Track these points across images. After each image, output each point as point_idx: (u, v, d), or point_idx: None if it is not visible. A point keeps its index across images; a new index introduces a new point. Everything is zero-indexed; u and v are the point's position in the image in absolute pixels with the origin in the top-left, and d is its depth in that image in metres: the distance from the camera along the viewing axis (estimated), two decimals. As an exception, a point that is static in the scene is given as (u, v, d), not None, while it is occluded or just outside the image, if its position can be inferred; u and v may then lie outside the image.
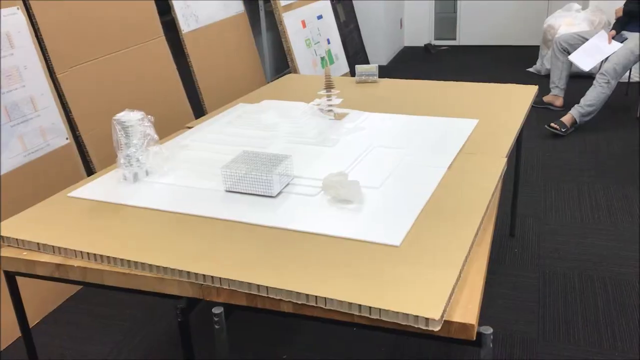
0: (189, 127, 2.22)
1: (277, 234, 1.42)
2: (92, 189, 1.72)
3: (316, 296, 1.19)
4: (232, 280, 1.26)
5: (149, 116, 1.74)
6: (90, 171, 2.62)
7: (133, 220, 1.53)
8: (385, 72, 5.65)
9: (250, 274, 1.26)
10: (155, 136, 1.75)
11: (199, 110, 3.34)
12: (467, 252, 1.31)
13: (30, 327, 1.99)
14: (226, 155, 1.85)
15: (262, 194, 1.60)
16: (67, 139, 2.53)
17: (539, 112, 4.36)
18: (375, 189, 1.61)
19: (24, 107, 2.35)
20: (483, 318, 2.00)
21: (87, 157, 2.62)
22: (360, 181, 1.58)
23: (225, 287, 1.27)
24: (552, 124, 3.92)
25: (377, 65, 2.68)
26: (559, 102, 4.39)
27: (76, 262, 1.41)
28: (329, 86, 2.11)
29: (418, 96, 2.44)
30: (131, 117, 1.70)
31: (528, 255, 2.61)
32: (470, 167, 1.73)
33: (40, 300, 2.39)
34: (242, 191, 1.63)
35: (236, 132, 2.03)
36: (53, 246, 1.44)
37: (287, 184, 1.65)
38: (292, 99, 2.43)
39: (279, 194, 1.61)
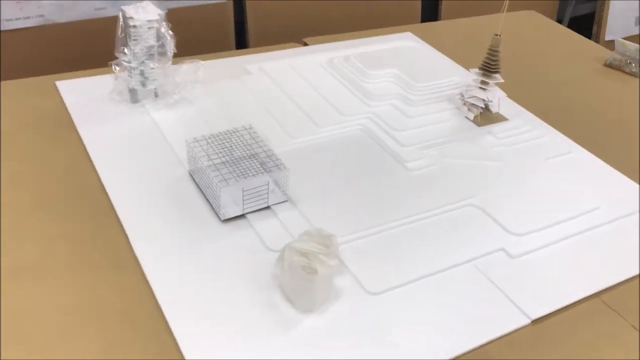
0: (306, 44, 1.61)
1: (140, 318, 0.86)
2: (79, 87, 1.30)
3: None
4: (-30, 349, 0.78)
5: (168, 23, 1.20)
6: (242, 44, 2.20)
7: (60, 165, 1.10)
8: None
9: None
10: (172, 50, 1.22)
11: (432, 10, 2.58)
12: None
13: None
14: (269, 114, 1.25)
15: (214, 207, 1.02)
16: (228, -5, 2.10)
17: None
18: (367, 295, 0.89)
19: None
20: None
21: (245, 25, 2.19)
22: (359, 268, 0.89)
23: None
24: None
25: (650, 49, 1.63)
26: None
27: None
28: (488, 65, 1.27)
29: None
30: (141, 15, 1.18)
31: None
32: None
33: None
34: (200, 185, 1.06)
35: (320, 81, 1.37)
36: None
37: (266, 207, 1.02)
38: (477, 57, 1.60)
39: (235, 218, 1.00)
